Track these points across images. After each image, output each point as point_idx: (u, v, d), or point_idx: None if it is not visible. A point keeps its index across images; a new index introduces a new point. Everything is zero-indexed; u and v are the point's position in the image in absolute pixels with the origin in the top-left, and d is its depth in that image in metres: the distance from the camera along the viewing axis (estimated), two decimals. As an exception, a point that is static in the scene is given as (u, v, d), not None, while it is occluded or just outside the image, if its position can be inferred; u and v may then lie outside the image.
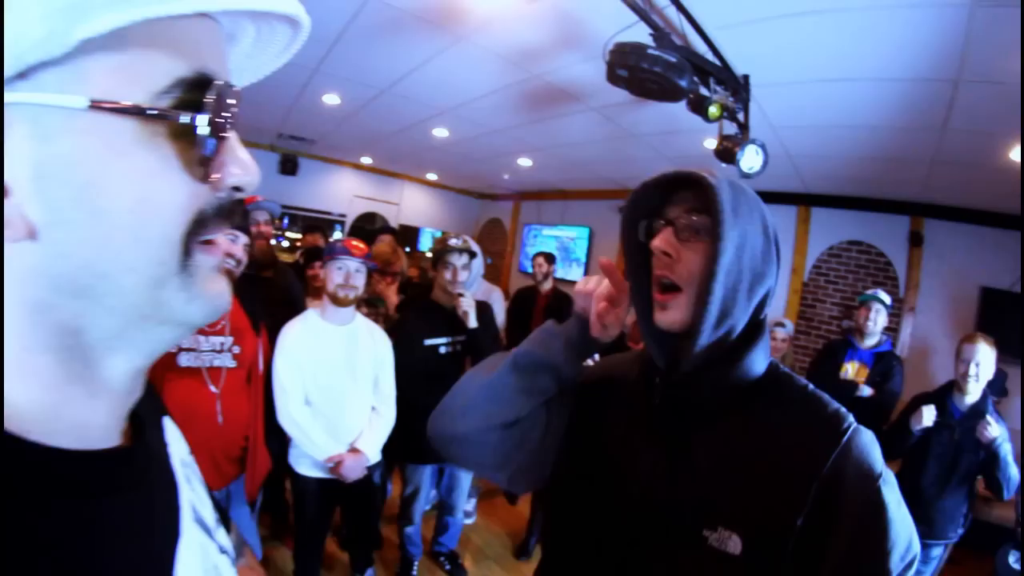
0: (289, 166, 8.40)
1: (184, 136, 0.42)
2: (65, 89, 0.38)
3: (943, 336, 5.19)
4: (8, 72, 0.36)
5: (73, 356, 0.43)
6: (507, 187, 9.65)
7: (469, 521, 4.08)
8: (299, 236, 8.04)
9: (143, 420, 0.55)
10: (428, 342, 2.98)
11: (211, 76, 0.44)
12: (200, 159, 0.43)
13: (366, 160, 8.95)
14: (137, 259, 0.42)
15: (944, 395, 3.13)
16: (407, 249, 7.57)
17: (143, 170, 0.41)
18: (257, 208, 3.38)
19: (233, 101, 0.47)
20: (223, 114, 0.45)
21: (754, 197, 0.96)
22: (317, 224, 8.00)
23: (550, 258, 5.28)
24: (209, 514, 0.62)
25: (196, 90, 0.43)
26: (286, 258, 5.33)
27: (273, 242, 3.47)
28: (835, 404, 0.92)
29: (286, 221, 8.52)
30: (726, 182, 0.92)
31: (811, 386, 0.96)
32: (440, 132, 6.03)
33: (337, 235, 8.52)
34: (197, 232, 0.45)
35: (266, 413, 2.54)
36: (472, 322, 2.95)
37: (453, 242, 3.00)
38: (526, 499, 3.66)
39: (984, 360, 3.01)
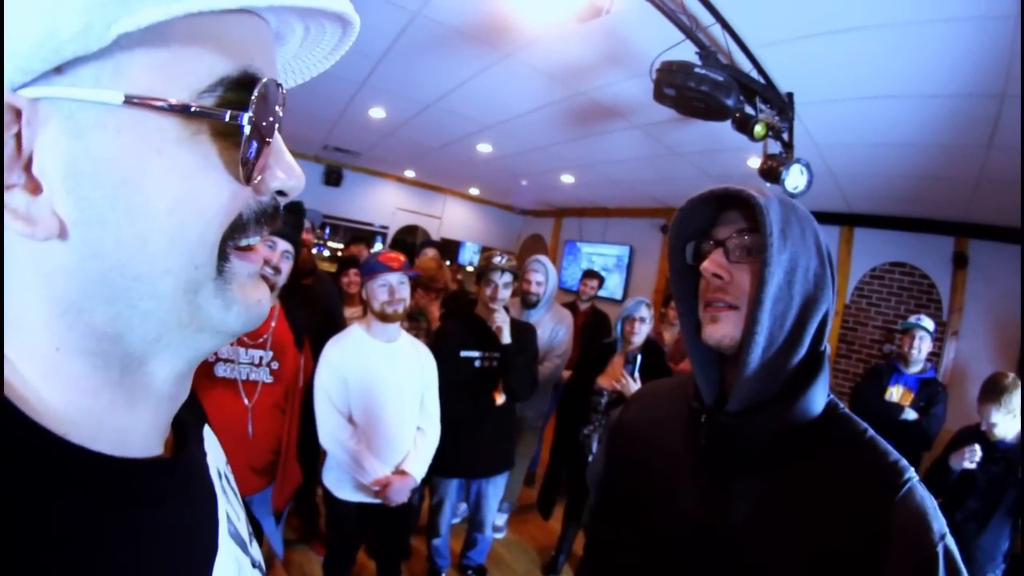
0: (333, 177, 8.55)
1: (227, 135, 0.41)
2: (101, 84, 0.37)
3: (986, 362, 4.95)
4: (44, 67, 0.35)
5: (109, 363, 0.42)
6: (522, 196, 9.60)
7: (500, 536, 4.05)
8: (342, 246, 8.16)
9: (186, 428, 0.55)
10: (464, 354, 3.00)
11: (257, 75, 0.43)
12: (243, 159, 0.42)
13: (409, 173, 9.06)
14: (173, 262, 0.40)
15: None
16: (447, 262, 7.63)
17: (182, 169, 0.40)
18: None
19: (280, 101, 0.46)
20: (269, 114, 0.44)
21: (807, 216, 0.91)
22: (361, 235, 8.11)
23: (602, 281, 5.36)
24: (244, 527, 0.61)
25: (241, 89, 0.42)
26: (327, 268, 5.38)
27: (314, 251, 3.50)
28: (895, 455, 0.83)
29: (327, 231, 8.66)
30: (776, 200, 0.88)
31: (871, 432, 0.88)
32: (484, 147, 6.09)
33: (378, 247, 8.61)
34: (234, 236, 0.44)
35: (300, 428, 2.52)
36: (505, 338, 2.95)
37: (496, 260, 3.02)
38: (558, 515, 3.62)
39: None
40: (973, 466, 2.88)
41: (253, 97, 0.42)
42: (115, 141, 0.37)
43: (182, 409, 0.52)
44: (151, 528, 0.43)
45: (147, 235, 0.39)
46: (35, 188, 0.37)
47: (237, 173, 0.42)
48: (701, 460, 0.94)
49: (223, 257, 0.43)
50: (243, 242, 0.45)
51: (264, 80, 0.43)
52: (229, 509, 0.57)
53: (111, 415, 0.43)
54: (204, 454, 0.58)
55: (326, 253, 8.48)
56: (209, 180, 0.41)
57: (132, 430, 0.45)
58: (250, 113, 0.41)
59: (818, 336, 0.89)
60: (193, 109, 0.39)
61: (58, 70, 0.36)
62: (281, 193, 0.47)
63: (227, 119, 0.40)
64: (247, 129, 0.41)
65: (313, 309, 3.21)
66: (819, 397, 0.88)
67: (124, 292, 0.40)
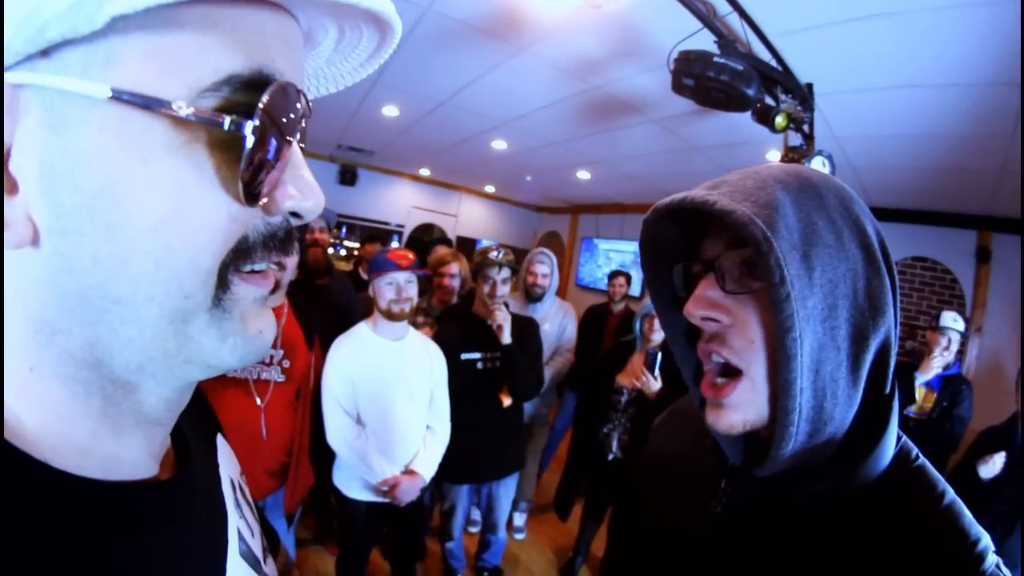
0: (348, 177, 8.53)
1: (230, 146, 0.35)
2: (89, 74, 0.32)
3: (1012, 359, 4.84)
4: (29, 48, 0.30)
5: (90, 391, 0.38)
6: (537, 192, 9.52)
7: (519, 536, 4.02)
8: (357, 245, 8.16)
9: (189, 442, 0.50)
10: (465, 356, 2.88)
11: (273, 76, 0.37)
12: (247, 176, 0.36)
13: (424, 172, 9.03)
14: (158, 288, 0.35)
15: (1013, 428, 2.88)
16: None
17: (171, 183, 0.34)
18: None
19: (302, 111, 0.40)
20: (282, 122, 0.38)
21: (839, 202, 0.66)
22: (377, 235, 8.11)
23: (630, 278, 5.25)
24: (257, 544, 0.57)
25: (252, 91, 0.36)
26: (342, 267, 5.38)
27: (330, 251, 3.46)
28: (975, 533, 0.62)
29: (343, 230, 8.66)
30: (788, 202, 0.63)
31: (949, 495, 0.66)
32: (499, 144, 6.04)
33: (394, 245, 8.60)
34: (238, 262, 0.38)
35: (312, 428, 2.49)
36: (505, 338, 2.83)
37: (493, 255, 2.91)
38: (576, 516, 3.57)
39: None
40: (1000, 471, 2.77)
41: (261, 102, 0.35)
42: (95, 141, 0.32)
43: (187, 420, 0.48)
44: (142, 557, 0.38)
45: (128, 255, 0.34)
46: (11, 187, 0.32)
47: (237, 192, 0.36)
48: (717, 526, 0.76)
49: (223, 286, 0.38)
50: (248, 268, 0.40)
51: (279, 82, 0.37)
52: (241, 525, 0.53)
53: (94, 443, 0.38)
54: (216, 466, 0.54)
55: (343, 252, 8.48)
56: (203, 198, 0.35)
57: (120, 458, 0.40)
58: (255, 121, 0.35)
59: (881, 372, 0.67)
60: (184, 113, 0.33)
61: (45, 53, 0.31)
62: (295, 215, 0.41)
63: (226, 127, 0.34)
64: (250, 140, 0.35)
65: (328, 309, 3.17)
66: (887, 452, 0.67)
67: (103, 315, 0.35)
